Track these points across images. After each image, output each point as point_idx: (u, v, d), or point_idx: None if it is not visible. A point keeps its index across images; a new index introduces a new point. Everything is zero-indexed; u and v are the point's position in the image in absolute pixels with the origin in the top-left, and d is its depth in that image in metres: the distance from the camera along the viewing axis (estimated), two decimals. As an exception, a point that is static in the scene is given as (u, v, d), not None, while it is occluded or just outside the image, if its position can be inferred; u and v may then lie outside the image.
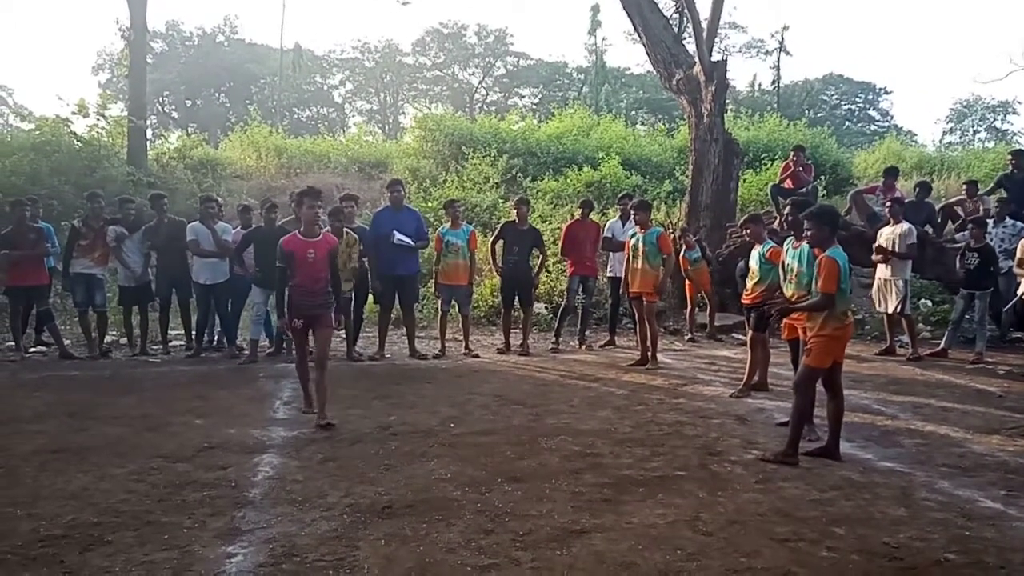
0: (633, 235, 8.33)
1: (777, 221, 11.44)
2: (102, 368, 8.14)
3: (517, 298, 9.42)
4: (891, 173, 11.50)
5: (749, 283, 6.86)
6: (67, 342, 9.00)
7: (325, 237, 5.79)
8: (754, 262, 6.79)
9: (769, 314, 5.65)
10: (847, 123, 48.36)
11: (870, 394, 6.76)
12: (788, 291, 5.30)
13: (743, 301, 7.12)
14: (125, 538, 3.45)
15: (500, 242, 9.33)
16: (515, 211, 9.41)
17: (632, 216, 8.55)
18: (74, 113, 15.57)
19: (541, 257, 9.59)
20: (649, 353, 8.17)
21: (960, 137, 48.49)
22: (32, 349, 9.15)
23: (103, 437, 5.23)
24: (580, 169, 16.42)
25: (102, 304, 8.88)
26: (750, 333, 6.80)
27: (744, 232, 7.31)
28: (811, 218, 4.83)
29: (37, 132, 15.48)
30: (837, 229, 4.89)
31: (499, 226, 9.61)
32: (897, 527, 3.64)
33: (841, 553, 3.32)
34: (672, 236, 11.68)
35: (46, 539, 3.43)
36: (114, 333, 9.68)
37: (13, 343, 8.89)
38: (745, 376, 6.80)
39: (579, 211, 9.89)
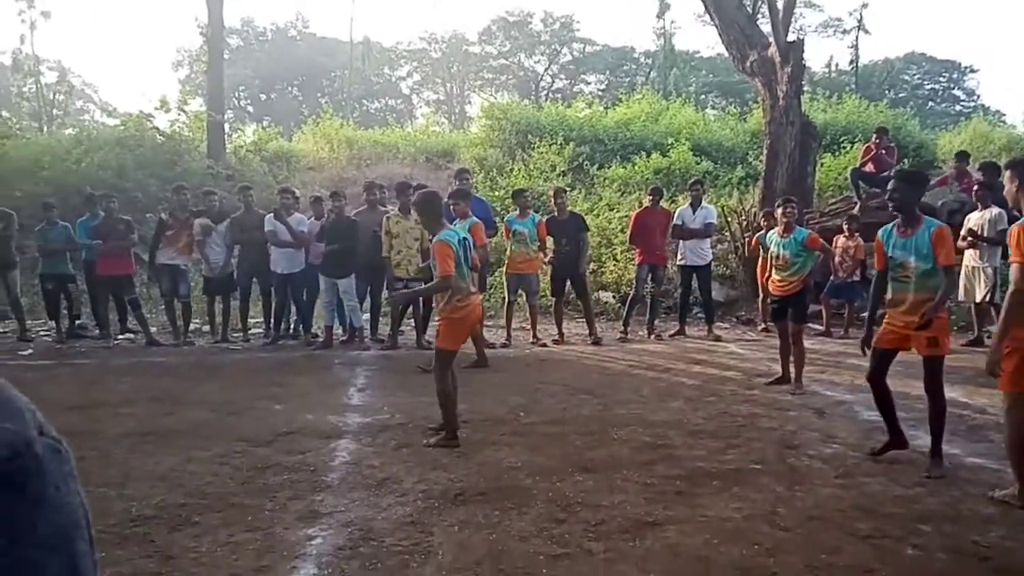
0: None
1: (858, 207, 11.05)
2: (186, 355, 8.48)
3: (571, 288, 9.44)
4: (962, 157, 10.95)
5: (782, 273, 6.47)
6: (153, 330, 9.40)
7: None
8: (787, 249, 6.41)
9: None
10: (930, 103, 46.12)
11: (957, 387, 6.47)
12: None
13: (774, 291, 6.66)
14: (211, 519, 3.58)
15: (548, 238, 9.10)
16: (553, 202, 9.37)
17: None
18: (156, 108, 16.27)
19: (581, 244, 9.21)
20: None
21: (1054, 116, 45.77)
22: (120, 336, 9.60)
23: (188, 421, 5.45)
24: (649, 155, 16.17)
25: (186, 295, 9.25)
26: (791, 325, 6.41)
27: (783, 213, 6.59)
28: (899, 179, 4.49)
29: (122, 127, 16.23)
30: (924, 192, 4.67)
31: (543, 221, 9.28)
32: (987, 526, 3.48)
33: (927, 551, 3.21)
34: (753, 219, 11.37)
35: (137, 519, 3.59)
36: (197, 321, 10.07)
37: (99, 330, 9.36)
38: (794, 371, 6.49)
39: (648, 198, 9.75)
